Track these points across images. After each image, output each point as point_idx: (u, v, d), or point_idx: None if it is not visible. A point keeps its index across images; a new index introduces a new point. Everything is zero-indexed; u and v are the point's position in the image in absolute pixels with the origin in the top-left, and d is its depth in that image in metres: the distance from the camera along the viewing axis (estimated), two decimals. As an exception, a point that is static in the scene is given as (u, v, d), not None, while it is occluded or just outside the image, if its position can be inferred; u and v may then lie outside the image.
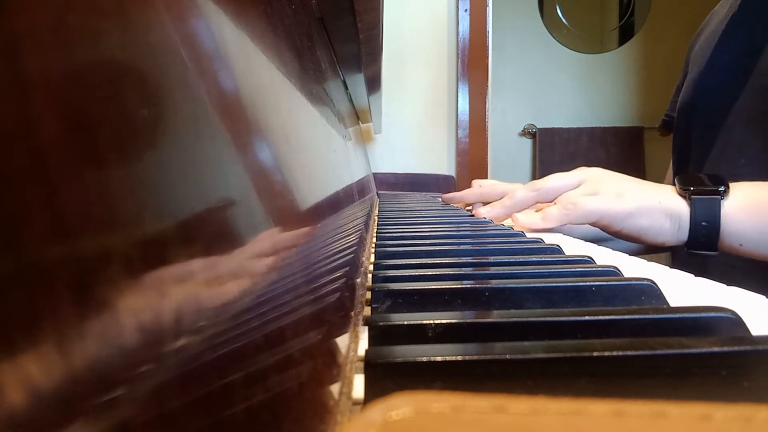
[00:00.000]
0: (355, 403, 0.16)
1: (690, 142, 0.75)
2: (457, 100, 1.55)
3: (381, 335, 0.21)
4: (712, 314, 0.21)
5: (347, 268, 0.26)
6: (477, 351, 0.17)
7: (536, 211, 0.63)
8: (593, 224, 0.55)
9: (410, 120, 1.58)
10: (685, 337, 0.18)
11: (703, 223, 0.50)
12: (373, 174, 1.47)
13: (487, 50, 1.55)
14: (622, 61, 2.88)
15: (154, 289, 0.09)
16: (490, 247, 0.41)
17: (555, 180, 0.59)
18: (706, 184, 0.51)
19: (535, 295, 0.26)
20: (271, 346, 0.13)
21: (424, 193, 1.44)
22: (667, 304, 0.26)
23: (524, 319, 0.21)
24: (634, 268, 0.37)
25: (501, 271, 0.32)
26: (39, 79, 0.07)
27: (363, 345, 0.20)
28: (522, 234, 0.50)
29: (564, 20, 2.91)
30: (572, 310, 0.22)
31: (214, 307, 0.11)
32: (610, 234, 0.55)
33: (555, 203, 0.57)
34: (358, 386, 0.17)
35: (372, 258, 0.38)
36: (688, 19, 2.70)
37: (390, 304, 0.25)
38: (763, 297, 0.28)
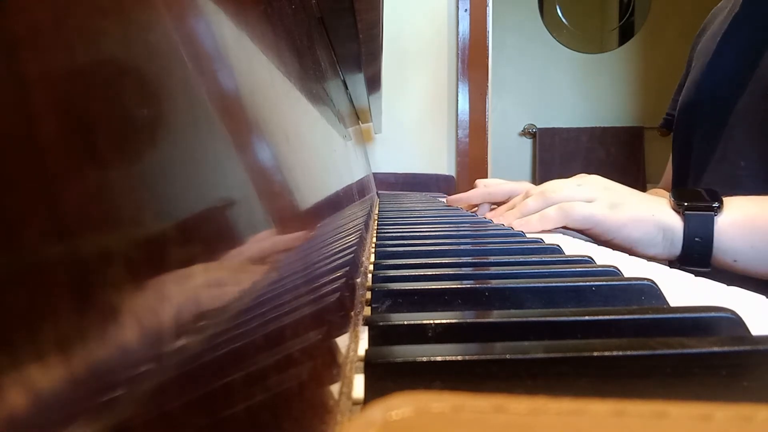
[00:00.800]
0: (355, 403, 0.16)
1: (691, 143, 0.75)
2: (457, 100, 1.56)
3: (381, 335, 0.21)
4: (712, 314, 0.21)
5: (347, 268, 0.26)
6: (477, 351, 0.17)
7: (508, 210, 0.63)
8: (585, 232, 0.55)
9: (410, 120, 1.58)
10: (685, 337, 0.18)
11: (696, 239, 0.50)
12: (373, 174, 1.47)
13: (487, 50, 1.55)
14: (622, 61, 2.88)
15: (154, 288, 0.09)
16: (490, 247, 0.41)
17: (564, 190, 0.59)
18: (700, 200, 0.51)
19: (535, 295, 0.26)
20: (271, 346, 0.13)
21: (424, 193, 1.44)
22: (667, 304, 0.26)
23: (524, 319, 0.21)
24: (634, 268, 0.37)
25: (501, 271, 0.32)
26: (39, 79, 0.07)
27: (363, 345, 0.20)
28: (522, 234, 0.50)
29: (564, 20, 2.91)
30: (572, 310, 0.22)
31: (214, 306, 0.11)
32: (601, 243, 0.55)
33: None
34: (358, 386, 0.17)
35: (372, 258, 0.38)
36: (688, 19, 2.70)
37: (390, 304, 0.25)
38: (763, 297, 0.28)
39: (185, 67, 0.13)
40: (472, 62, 1.54)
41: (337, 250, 0.28)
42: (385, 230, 0.52)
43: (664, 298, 0.26)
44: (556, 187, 0.59)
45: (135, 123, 0.10)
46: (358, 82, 0.86)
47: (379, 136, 1.57)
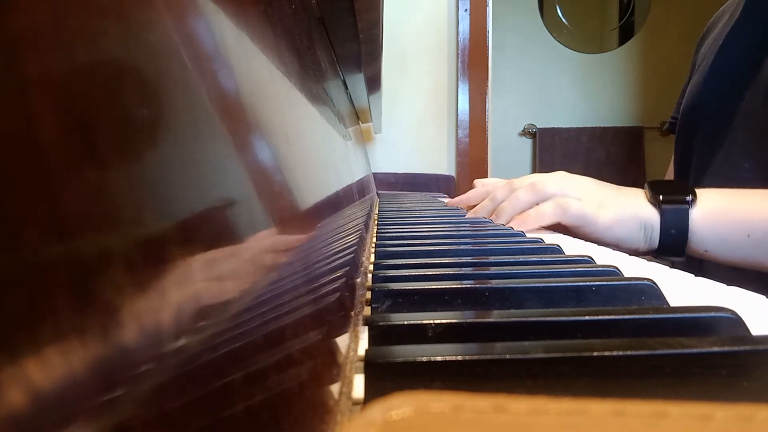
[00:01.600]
0: (355, 403, 0.16)
1: (693, 145, 0.75)
2: (457, 100, 1.55)
3: (381, 335, 0.21)
4: (712, 314, 0.21)
5: (347, 268, 0.26)
6: (477, 351, 0.17)
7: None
8: (575, 230, 0.56)
9: (410, 120, 1.58)
10: (685, 337, 0.18)
11: (672, 231, 0.52)
12: (373, 174, 1.47)
13: (487, 50, 1.55)
14: (622, 61, 2.88)
15: (154, 288, 0.09)
16: (490, 246, 0.41)
17: (536, 177, 0.60)
18: (675, 192, 0.53)
19: (535, 295, 0.26)
20: (271, 345, 0.13)
21: (424, 193, 1.44)
22: (667, 304, 0.26)
23: (524, 319, 0.21)
24: (634, 268, 0.37)
25: (501, 271, 0.32)
26: (39, 79, 0.07)
27: (363, 345, 0.20)
28: (522, 234, 0.50)
29: (564, 20, 2.91)
30: (572, 310, 0.22)
31: (214, 306, 0.11)
32: (589, 241, 0.56)
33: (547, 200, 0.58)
34: (358, 386, 0.17)
35: (372, 258, 0.38)
36: (688, 19, 2.70)
37: (390, 304, 0.25)
38: (763, 297, 0.28)
39: (185, 67, 0.13)
40: (472, 62, 1.54)
41: (337, 250, 0.28)
42: (385, 230, 0.52)
43: (664, 298, 0.26)
44: (545, 180, 0.60)
45: (135, 123, 0.10)
46: (358, 82, 0.86)
47: (379, 136, 1.57)
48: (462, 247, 0.42)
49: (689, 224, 0.51)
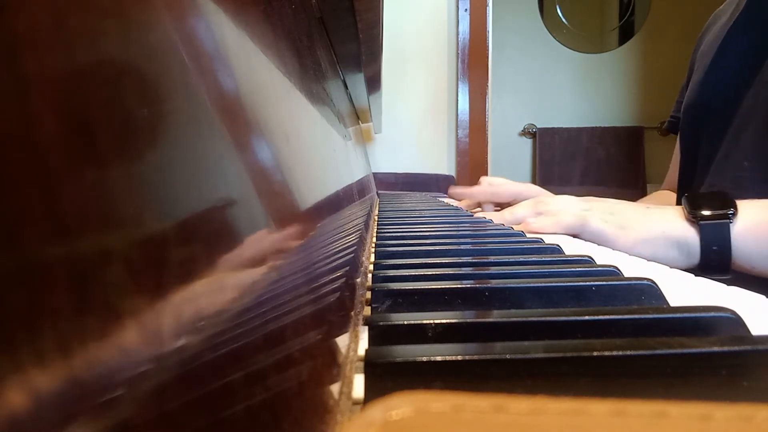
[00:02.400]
0: (355, 402, 0.16)
1: (695, 144, 0.74)
2: (457, 100, 1.55)
3: (381, 335, 0.21)
4: (712, 314, 0.21)
5: (347, 268, 0.26)
6: (477, 351, 0.17)
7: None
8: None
9: (410, 120, 1.58)
10: (685, 337, 0.18)
11: (713, 248, 0.49)
12: (373, 174, 1.47)
13: (487, 50, 1.55)
14: (622, 61, 2.88)
15: (154, 288, 0.09)
16: (490, 246, 0.41)
17: (562, 203, 0.58)
18: (714, 207, 0.50)
19: (535, 294, 0.26)
20: (271, 345, 0.13)
21: (424, 193, 1.44)
22: (667, 303, 0.26)
23: (524, 319, 0.21)
24: (634, 268, 0.37)
25: (501, 271, 0.32)
26: (39, 79, 0.07)
27: (363, 345, 0.20)
28: (522, 234, 0.50)
29: (564, 20, 2.91)
30: (572, 310, 0.22)
31: (214, 306, 0.11)
32: None
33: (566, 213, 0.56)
34: (358, 386, 0.17)
35: (372, 258, 0.38)
36: (688, 19, 2.70)
37: (390, 304, 0.25)
38: (763, 297, 0.28)
39: (185, 67, 0.13)
40: (472, 62, 1.54)
41: (337, 249, 0.28)
42: (385, 230, 0.52)
43: (664, 298, 0.26)
44: (558, 200, 0.58)
45: (135, 123, 0.10)
46: (358, 82, 0.86)
47: (379, 136, 1.57)
48: (462, 247, 0.42)
49: (732, 240, 0.49)
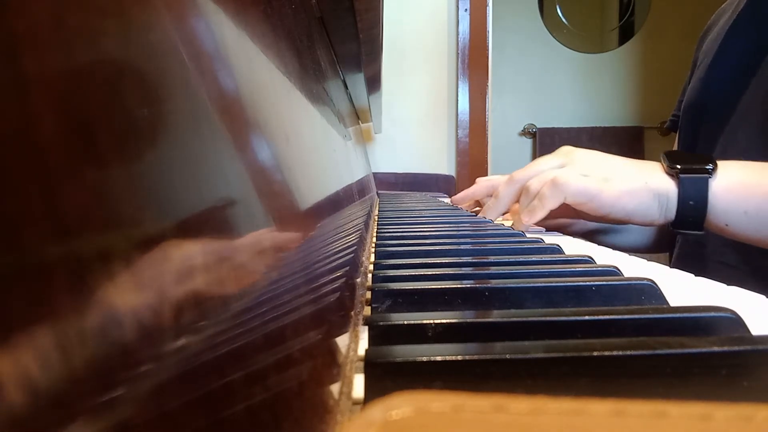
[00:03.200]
0: (355, 402, 0.16)
1: (694, 142, 0.75)
2: (457, 100, 1.55)
3: (381, 335, 0.21)
4: (712, 314, 0.21)
5: (347, 268, 0.26)
6: (477, 351, 0.17)
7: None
8: (580, 206, 0.53)
9: (410, 120, 1.58)
10: (685, 337, 0.18)
11: (690, 203, 0.50)
12: (373, 174, 1.47)
13: (487, 50, 1.55)
14: (622, 61, 2.88)
15: (154, 288, 0.09)
16: (490, 246, 0.41)
17: (537, 165, 0.58)
18: (694, 162, 0.51)
19: (535, 294, 0.26)
20: (271, 345, 0.13)
21: (424, 193, 1.44)
22: (667, 303, 0.26)
23: (524, 319, 0.21)
24: (634, 268, 0.37)
25: (501, 271, 0.32)
26: (39, 79, 0.07)
27: (363, 345, 0.20)
28: (522, 234, 0.50)
29: (564, 20, 2.91)
30: (572, 310, 0.22)
31: (214, 306, 0.11)
32: (596, 218, 0.54)
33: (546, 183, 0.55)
34: (358, 386, 0.17)
35: (372, 258, 0.38)
36: (688, 19, 2.70)
37: (390, 304, 0.25)
38: (763, 297, 0.28)
39: (185, 67, 0.13)
40: (472, 62, 1.54)
41: (337, 249, 0.28)
42: (385, 230, 0.52)
43: (664, 298, 0.26)
44: (529, 165, 0.58)
45: (135, 123, 0.10)
46: (358, 82, 0.86)
47: (379, 136, 1.57)
48: (462, 246, 0.42)
49: (709, 195, 0.49)
